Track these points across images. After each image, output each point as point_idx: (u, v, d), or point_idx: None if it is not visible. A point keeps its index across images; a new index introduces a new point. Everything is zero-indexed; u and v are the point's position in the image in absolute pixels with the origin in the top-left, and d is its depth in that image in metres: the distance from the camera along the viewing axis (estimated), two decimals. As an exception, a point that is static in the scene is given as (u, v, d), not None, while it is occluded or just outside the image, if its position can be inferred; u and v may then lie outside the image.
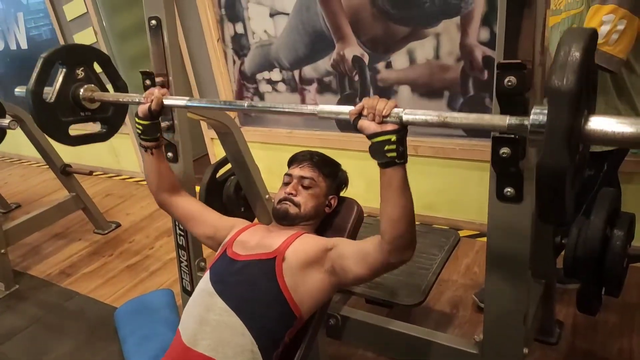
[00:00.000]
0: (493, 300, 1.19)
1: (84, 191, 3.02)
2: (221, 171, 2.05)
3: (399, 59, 2.52)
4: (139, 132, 1.41)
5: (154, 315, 2.08)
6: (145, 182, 1.46)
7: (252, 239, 1.37)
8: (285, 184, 1.49)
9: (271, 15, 2.84)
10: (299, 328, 1.29)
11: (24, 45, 4.34)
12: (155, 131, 1.41)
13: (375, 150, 1.02)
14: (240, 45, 3.07)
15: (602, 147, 1.61)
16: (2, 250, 2.60)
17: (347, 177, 1.64)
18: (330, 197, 1.53)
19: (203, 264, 1.78)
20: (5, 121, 2.46)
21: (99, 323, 2.25)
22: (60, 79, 1.61)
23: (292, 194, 1.43)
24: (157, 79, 1.53)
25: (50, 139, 1.73)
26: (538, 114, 0.80)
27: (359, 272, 1.19)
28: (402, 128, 1.00)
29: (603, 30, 1.38)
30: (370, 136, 1.02)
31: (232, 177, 2.06)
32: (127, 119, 3.96)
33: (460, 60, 2.36)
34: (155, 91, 1.36)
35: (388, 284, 1.65)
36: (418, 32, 2.41)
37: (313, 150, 1.60)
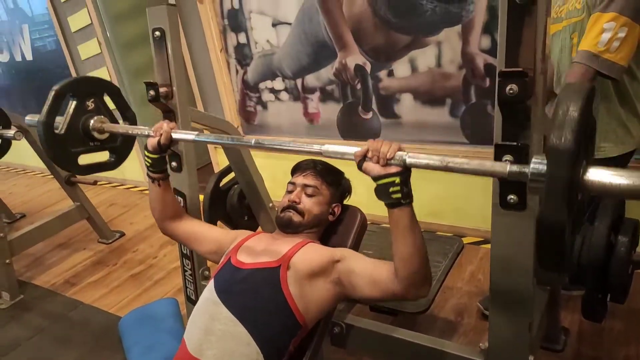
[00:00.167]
0: (498, 308, 1.18)
1: (88, 201, 3.04)
2: (225, 180, 2.06)
3: (401, 67, 2.54)
4: (148, 164, 1.44)
5: (159, 324, 2.08)
6: (147, 192, 1.48)
7: (256, 248, 1.37)
8: (289, 192, 1.49)
9: (273, 25, 2.86)
10: (303, 336, 1.28)
11: (29, 56, 4.38)
12: (164, 164, 1.45)
13: (381, 192, 1.04)
14: (243, 55, 3.09)
15: (606, 154, 1.61)
16: (7, 261, 2.61)
17: (351, 185, 1.65)
18: (334, 205, 1.53)
19: (207, 272, 1.78)
20: (11, 132, 2.48)
21: (104, 333, 2.25)
22: (71, 110, 1.65)
23: (295, 202, 1.44)
24: (161, 89, 1.55)
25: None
26: (538, 164, 0.82)
27: (369, 294, 1.20)
28: (406, 170, 1.03)
29: (604, 37, 1.39)
30: (375, 178, 1.04)
31: (236, 186, 2.07)
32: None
33: (462, 68, 2.37)
34: (165, 125, 1.39)
35: (392, 292, 1.65)
36: (420, 41, 2.42)
37: (316, 158, 1.61)
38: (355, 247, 1.54)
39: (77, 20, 3.73)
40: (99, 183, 4.40)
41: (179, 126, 1.60)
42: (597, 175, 0.76)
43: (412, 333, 1.38)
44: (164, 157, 1.44)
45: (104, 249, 3.12)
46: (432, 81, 2.48)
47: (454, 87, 2.42)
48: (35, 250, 3.12)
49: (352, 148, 1.09)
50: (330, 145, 1.12)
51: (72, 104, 1.64)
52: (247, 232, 1.51)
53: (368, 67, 2.63)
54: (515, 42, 0.94)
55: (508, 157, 0.96)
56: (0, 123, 2.52)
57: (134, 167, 4.08)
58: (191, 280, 1.80)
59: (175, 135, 1.39)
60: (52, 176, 3.03)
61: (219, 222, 2.04)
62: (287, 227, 1.43)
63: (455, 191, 2.62)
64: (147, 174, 1.47)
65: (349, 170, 1.67)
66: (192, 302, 1.82)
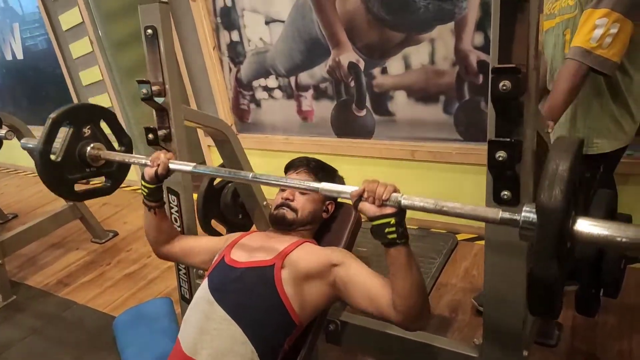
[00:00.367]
0: (492, 304, 1.19)
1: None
2: (218, 178, 2.06)
3: (395, 65, 2.54)
4: (144, 194, 1.44)
5: (153, 324, 2.07)
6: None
7: (250, 246, 1.36)
8: (283, 189, 1.49)
9: (266, 23, 2.85)
10: (298, 335, 1.28)
11: (19, 55, 4.34)
12: (160, 193, 1.45)
13: (376, 232, 1.05)
14: (236, 53, 3.08)
15: (599, 150, 1.62)
16: (0, 261, 2.59)
17: (344, 182, 1.64)
18: (327, 202, 1.53)
19: (201, 271, 1.78)
20: (2, 132, 2.47)
21: (98, 333, 2.24)
22: (67, 138, 1.65)
23: (289, 199, 1.44)
24: (154, 88, 1.54)
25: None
26: (528, 213, 0.85)
27: (363, 307, 1.19)
28: (401, 211, 1.03)
29: (597, 33, 1.40)
30: (370, 219, 1.05)
31: (230, 185, 2.07)
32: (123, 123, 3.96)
33: (455, 65, 2.37)
34: (162, 156, 1.40)
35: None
36: (413, 38, 2.42)
37: (310, 156, 1.61)
38: (350, 244, 1.55)
39: (68, 18, 3.70)
40: (91, 182, 4.38)
41: (172, 124, 1.59)
42: (585, 226, 0.80)
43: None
44: (160, 187, 1.44)
45: (97, 248, 3.11)
46: (425, 78, 2.48)
47: (448, 84, 2.43)
48: (28, 251, 3.10)
49: (349, 187, 1.10)
50: (326, 184, 1.14)
51: (69, 132, 1.66)
52: (240, 233, 1.50)
53: (362, 65, 2.63)
54: (508, 39, 0.94)
55: (501, 153, 0.96)
56: (-10, 122, 2.50)
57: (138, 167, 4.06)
58: (185, 279, 1.80)
59: (172, 166, 1.39)
60: (44, 176, 3.00)
61: (212, 222, 2.04)
62: (281, 225, 1.42)
63: (449, 188, 2.63)
64: (143, 202, 1.46)
65: (343, 168, 1.67)
66: (186, 301, 1.81)
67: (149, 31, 1.52)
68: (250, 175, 1.27)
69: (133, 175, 4.02)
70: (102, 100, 3.89)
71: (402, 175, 2.75)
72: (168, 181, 1.68)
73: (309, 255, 1.28)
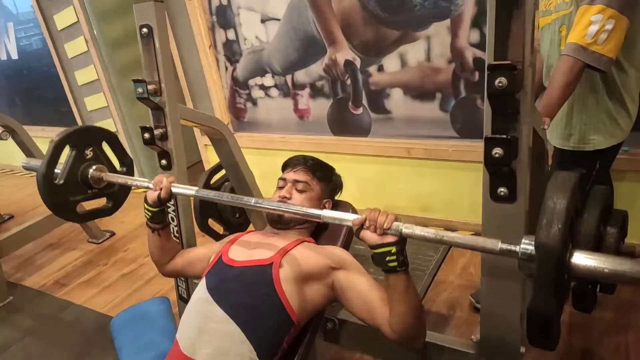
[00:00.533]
0: (489, 300, 1.19)
1: (77, 200, 3.01)
2: (215, 177, 2.05)
3: (391, 62, 2.54)
4: (148, 217, 1.45)
5: (151, 323, 2.06)
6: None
7: (248, 245, 1.36)
8: (280, 188, 1.49)
9: (262, 21, 2.84)
10: (296, 334, 1.28)
11: (14, 55, 4.32)
12: (163, 215, 1.47)
13: (377, 260, 1.07)
14: (232, 52, 3.08)
15: (595, 146, 1.63)
16: (-4, 262, 2.58)
17: (342, 181, 1.65)
18: (325, 200, 1.53)
19: (199, 271, 1.78)
20: (-3, 132, 2.45)
21: (95, 333, 2.23)
22: (70, 161, 1.67)
23: (286, 197, 1.43)
24: (150, 87, 1.53)
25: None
26: (527, 245, 0.88)
27: (360, 316, 1.21)
28: (402, 239, 1.05)
29: (592, 30, 1.40)
30: (372, 247, 1.07)
31: (227, 183, 2.06)
32: (115, 121, 3.94)
33: (451, 62, 2.37)
34: (164, 180, 1.40)
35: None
36: (409, 35, 2.42)
37: (307, 154, 1.61)
38: (347, 243, 1.54)
39: (63, 18, 3.68)
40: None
41: (168, 123, 1.59)
42: (582, 260, 0.83)
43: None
44: (163, 209, 1.46)
45: (94, 248, 3.10)
46: (421, 76, 2.48)
47: (444, 82, 2.43)
48: (25, 251, 3.09)
49: (351, 215, 1.12)
50: (328, 211, 1.16)
51: (72, 155, 1.68)
52: (237, 234, 1.50)
53: (358, 63, 2.63)
54: (504, 35, 0.94)
55: (498, 150, 0.97)
56: (-15, 123, 2.49)
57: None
58: (183, 279, 1.80)
59: (175, 190, 1.40)
60: (40, 176, 2.99)
61: (209, 221, 2.03)
62: (278, 223, 1.42)
63: (446, 185, 2.63)
64: (147, 224, 1.47)
65: (340, 166, 1.67)
66: (184, 300, 1.81)
67: (144, 30, 1.51)
68: (253, 201, 1.30)
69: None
70: (98, 99, 3.88)
71: (398, 173, 2.75)
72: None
73: (307, 255, 1.28)
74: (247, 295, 1.22)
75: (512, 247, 0.91)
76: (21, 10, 4.04)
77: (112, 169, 1.80)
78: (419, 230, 1.02)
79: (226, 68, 3.17)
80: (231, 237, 1.46)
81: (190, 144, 3.43)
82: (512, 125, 0.98)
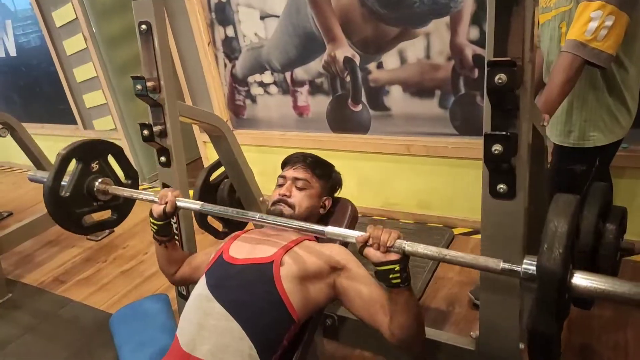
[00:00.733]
0: (488, 297, 1.19)
1: (76, 198, 3.01)
2: (215, 174, 2.05)
3: (390, 59, 2.53)
4: (154, 230, 1.46)
5: (150, 320, 2.07)
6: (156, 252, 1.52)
7: (248, 243, 1.36)
8: (279, 185, 1.49)
9: (261, 18, 2.84)
10: (296, 331, 1.28)
11: (12, 52, 4.31)
12: (169, 228, 1.48)
13: (381, 277, 1.09)
14: (231, 49, 3.07)
15: (594, 143, 1.63)
16: (-5, 259, 2.58)
17: (341, 178, 1.64)
18: (325, 198, 1.53)
19: (198, 268, 1.78)
20: (-4, 129, 2.45)
21: (94, 330, 2.23)
22: (76, 174, 1.69)
23: (286, 195, 1.43)
24: (149, 84, 1.53)
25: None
26: (529, 265, 0.91)
27: (361, 317, 1.23)
28: (405, 257, 1.07)
29: (592, 26, 1.40)
30: (375, 264, 1.08)
31: (226, 180, 2.06)
32: (114, 118, 3.94)
33: (450, 59, 2.37)
34: (169, 194, 1.42)
35: (384, 284, 1.65)
36: (408, 32, 2.42)
37: (306, 151, 1.60)
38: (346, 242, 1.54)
39: (62, 15, 3.67)
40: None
41: (167, 120, 1.59)
42: (582, 281, 0.85)
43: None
44: (169, 222, 1.47)
45: (93, 245, 3.10)
46: (421, 73, 2.48)
47: (443, 79, 2.43)
48: (24, 248, 3.09)
49: (354, 232, 1.13)
50: (332, 228, 1.18)
51: (78, 168, 1.69)
52: (237, 233, 1.50)
53: (357, 60, 2.63)
54: (503, 32, 0.94)
55: (497, 146, 0.96)
56: (-16, 120, 2.49)
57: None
58: (182, 276, 1.80)
59: (180, 204, 1.42)
60: (39, 173, 2.99)
61: (208, 218, 2.03)
62: (278, 221, 1.42)
63: (445, 182, 2.63)
64: (154, 237, 1.48)
65: (339, 164, 1.67)
66: (183, 297, 1.81)
67: (143, 27, 1.51)
68: (258, 216, 1.31)
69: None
70: (96, 96, 3.87)
71: (397, 170, 2.75)
72: (163, 177, 1.68)
73: (308, 254, 1.28)
74: (247, 293, 1.22)
75: (514, 267, 0.93)
76: (19, 8, 4.03)
77: (118, 182, 1.81)
78: (421, 249, 1.04)
79: (225, 65, 3.16)
80: (231, 235, 1.46)
81: (190, 141, 3.43)
82: (512, 122, 0.98)
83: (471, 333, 1.27)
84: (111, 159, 1.87)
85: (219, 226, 2.09)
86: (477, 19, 2.22)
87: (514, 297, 1.14)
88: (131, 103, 3.79)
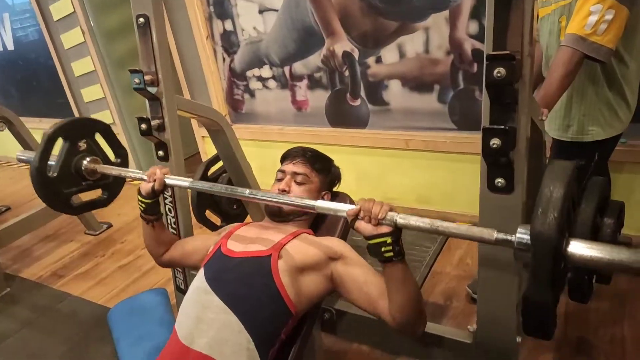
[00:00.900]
0: (485, 291, 1.19)
1: (74, 192, 3.00)
2: (213, 169, 2.05)
3: (389, 54, 2.53)
4: (142, 209, 1.45)
5: (148, 314, 2.07)
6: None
7: (246, 236, 1.36)
8: (278, 180, 1.49)
9: (260, 12, 2.82)
10: (294, 325, 1.28)
11: (10, 46, 4.29)
12: (157, 207, 1.46)
13: (373, 250, 1.07)
14: (229, 43, 3.06)
15: (593, 137, 1.63)
16: (-7, 253, 2.58)
17: (340, 173, 1.64)
18: (324, 192, 1.53)
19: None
20: (-7, 123, 2.44)
21: (93, 324, 2.23)
22: (63, 154, 1.65)
23: (285, 190, 1.43)
24: (146, 77, 1.52)
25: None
26: (522, 234, 0.88)
27: (360, 306, 1.22)
28: (397, 230, 1.04)
29: (591, 20, 1.39)
30: (367, 238, 1.06)
31: (224, 175, 2.06)
32: (112, 112, 3.92)
33: (449, 54, 2.36)
34: (158, 172, 1.41)
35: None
36: (407, 27, 2.41)
37: (305, 146, 1.60)
38: (345, 234, 1.55)
39: (60, 8, 3.64)
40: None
41: (165, 114, 1.58)
42: (579, 248, 0.82)
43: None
44: (157, 201, 1.45)
45: (91, 240, 3.10)
46: (420, 67, 2.47)
47: (442, 73, 2.42)
48: (22, 243, 3.09)
49: (345, 205, 1.11)
50: (322, 202, 1.16)
51: (65, 147, 1.66)
52: (236, 224, 1.50)
53: (356, 54, 2.62)
54: (502, 26, 0.94)
55: (496, 140, 0.96)
56: (-19, 114, 2.48)
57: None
58: (180, 270, 1.80)
59: (169, 181, 1.40)
60: (37, 167, 2.98)
61: (207, 212, 2.03)
62: (277, 216, 1.42)
63: (443, 177, 2.63)
64: (141, 216, 1.48)
65: (338, 158, 1.67)
66: (181, 291, 1.81)
67: (141, 20, 1.50)
68: (247, 192, 1.29)
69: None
70: (95, 90, 3.86)
71: (396, 165, 2.75)
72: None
73: (305, 247, 1.29)
74: (245, 286, 1.22)
75: (508, 237, 0.90)
76: (17, 1, 4.00)
77: (107, 161, 1.79)
78: (414, 221, 1.02)
79: (224, 59, 3.15)
80: (230, 228, 1.46)
81: (188, 136, 3.42)
82: (510, 116, 0.98)
83: (469, 327, 1.27)
84: (104, 146, 1.84)
85: (217, 221, 2.09)
86: (477, 13, 2.21)
87: (511, 291, 1.14)
88: (130, 97, 3.77)
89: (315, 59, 2.77)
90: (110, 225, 3.23)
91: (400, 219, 1.03)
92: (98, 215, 3.28)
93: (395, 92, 2.60)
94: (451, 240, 2.51)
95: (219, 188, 1.41)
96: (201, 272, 1.30)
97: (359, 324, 1.47)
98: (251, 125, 3.26)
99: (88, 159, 1.71)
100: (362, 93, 2.71)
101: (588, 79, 1.56)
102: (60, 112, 4.27)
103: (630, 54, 1.52)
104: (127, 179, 1.63)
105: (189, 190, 1.76)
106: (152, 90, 1.55)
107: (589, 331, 1.79)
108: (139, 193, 1.43)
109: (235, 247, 1.32)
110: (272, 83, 3.04)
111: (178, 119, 1.63)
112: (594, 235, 1.11)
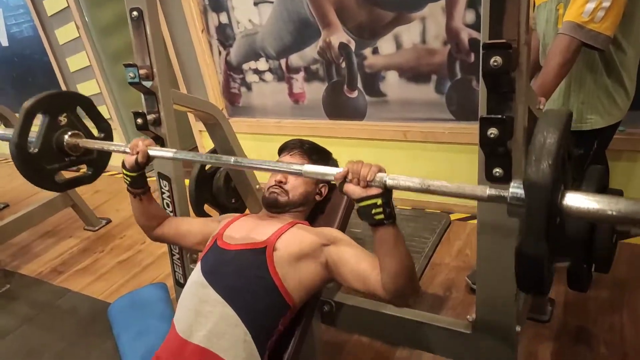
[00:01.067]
0: (484, 280, 1.19)
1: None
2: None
3: (386, 45, 2.51)
4: (127, 182, 1.42)
5: (148, 309, 2.07)
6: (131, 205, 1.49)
7: (242, 229, 1.36)
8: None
9: (255, 4, 2.80)
10: (292, 316, 1.29)
11: (4, 42, 4.26)
12: (143, 179, 1.44)
13: (363, 213, 1.04)
14: (225, 36, 3.04)
15: (592, 125, 1.62)
16: (-8, 251, 2.58)
17: (338, 165, 1.63)
18: (321, 185, 1.52)
19: (195, 256, 1.77)
20: (-12, 120, 2.42)
21: (93, 320, 2.24)
22: (43, 128, 1.60)
23: (282, 181, 1.43)
24: (141, 71, 1.51)
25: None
26: (516, 189, 0.84)
27: (355, 287, 1.21)
28: (387, 191, 1.01)
29: (589, 7, 1.38)
30: (356, 200, 1.04)
31: (222, 169, 2.05)
32: (108, 107, 3.90)
33: (446, 44, 2.35)
34: (140, 143, 1.38)
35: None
36: (404, 17, 2.40)
37: (303, 138, 1.59)
38: (343, 226, 1.54)
39: (53, 3, 3.62)
40: (82, 170, 4.34)
41: (161, 108, 1.57)
42: (575, 200, 0.77)
43: (401, 309, 1.39)
44: (143, 174, 1.43)
45: (90, 236, 3.09)
46: (417, 57, 2.46)
47: (439, 63, 2.41)
48: (21, 240, 3.08)
49: (332, 169, 1.09)
50: (309, 166, 1.13)
51: (45, 122, 1.61)
52: (233, 215, 1.50)
53: (352, 45, 2.60)
54: (498, 14, 0.93)
55: (493, 130, 0.96)
56: (-24, 111, 2.46)
57: (118, 154, 4.02)
58: (179, 264, 1.80)
59: (152, 153, 1.38)
60: (34, 164, 2.97)
61: (205, 206, 2.03)
62: (273, 207, 1.42)
63: (442, 168, 2.63)
64: (128, 190, 1.45)
65: (336, 150, 1.66)
66: (181, 286, 1.81)
67: (135, 13, 1.49)
68: (232, 159, 1.26)
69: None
70: (91, 86, 3.84)
71: (394, 156, 2.74)
72: (159, 167, 1.67)
73: (300, 235, 1.29)
74: (241, 278, 1.22)
75: (501, 192, 0.87)
76: (10, -4, 3.97)
77: (90, 135, 1.74)
78: (403, 181, 0.99)
79: (219, 52, 3.13)
80: (228, 218, 1.45)
81: (185, 130, 3.41)
82: (508, 105, 0.97)
83: (468, 317, 1.27)
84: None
85: (216, 215, 2.08)
86: (473, 2, 2.19)
87: (510, 281, 1.14)
88: (126, 92, 3.76)
89: (311, 51, 2.76)
90: (109, 221, 3.23)
91: (390, 179, 1.00)
92: (97, 211, 3.28)
93: (392, 83, 2.59)
94: (450, 231, 2.52)
95: (202, 157, 1.38)
96: (198, 265, 1.30)
97: (358, 315, 1.47)
98: (248, 118, 3.25)
99: (70, 133, 1.64)
100: (359, 85, 2.69)
101: (586, 67, 1.56)
102: (57, 108, 4.24)
103: (628, 40, 1.51)
104: (112, 151, 1.56)
105: (187, 184, 1.75)
106: (147, 84, 1.54)
107: (588, 320, 1.79)
108: (123, 166, 1.40)
109: (231, 239, 1.32)
110: (268, 76, 3.02)
111: (174, 113, 1.62)
112: (592, 223, 1.11)
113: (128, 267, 2.66)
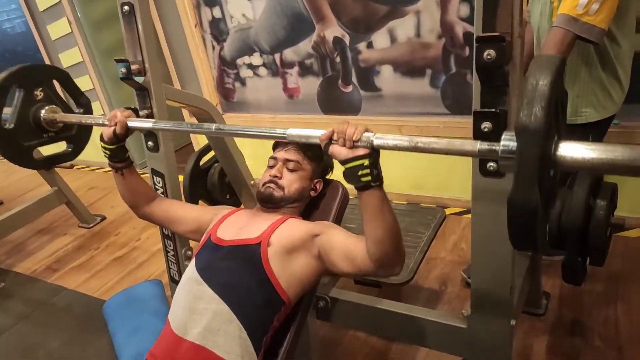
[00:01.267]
0: (479, 275, 1.19)
1: (66, 185, 2.97)
2: (205, 159, 2.03)
3: (380, 39, 2.50)
4: (107, 156, 1.40)
5: (143, 306, 2.06)
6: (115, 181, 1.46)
7: (236, 224, 1.35)
8: (270, 167, 1.47)
9: (249, -2, 2.79)
10: (288, 312, 1.28)
11: (-4, 38, 4.23)
12: (124, 153, 1.41)
13: (349, 175, 1.02)
14: (218, 30, 3.02)
15: (587, 119, 1.62)
16: (-14, 248, 2.56)
17: (332, 161, 1.63)
18: (316, 180, 1.51)
19: (190, 252, 1.77)
20: (-20, 117, 2.40)
21: (88, 317, 2.23)
22: (18, 103, 1.55)
23: (276, 176, 1.42)
24: (133, 66, 1.50)
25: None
26: (508, 141, 0.82)
27: (345, 269, 1.20)
28: (374, 152, 0.99)
29: (583, 0, 1.38)
30: (342, 162, 1.01)
31: (216, 165, 2.04)
32: (102, 103, 3.88)
33: (441, 38, 2.34)
34: (118, 114, 1.35)
35: (376, 264, 1.65)
36: (398, 11, 2.38)
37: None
38: (337, 221, 1.54)
39: (45, -2, 3.59)
40: (76, 167, 4.33)
41: (154, 104, 1.56)
42: (569, 150, 0.74)
43: (396, 303, 1.40)
44: (123, 146, 1.40)
45: (85, 233, 3.08)
46: (411, 51, 2.45)
47: (434, 57, 2.40)
48: (15, 237, 3.07)
49: (317, 131, 1.06)
50: (294, 129, 1.09)
51: (20, 96, 1.57)
52: (228, 208, 1.49)
53: (347, 39, 2.59)
54: (492, 7, 0.92)
55: (487, 124, 0.95)
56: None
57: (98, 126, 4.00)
58: (174, 261, 1.79)
59: (131, 124, 1.36)
60: (27, 161, 2.95)
61: (200, 202, 2.02)
62: (268, 202, 1.41)
63: (437, 162, 2.62)
64: (109, 164, 1.43)
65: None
66: (175, 282, 1.81)
67: (126, 8, 1.47)
68: (214, 126, 1.24)
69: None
70: (84, 81, 3.81)
71: (389, 151, 2.73)
72: (152, 163, 1.65)
73: (291, 229, 1.29)
74: (235, 275, 1.21)
75: (492, 146, 0.85)
76: (1, -8, 3.94)
77: (68, 111, 1.70)
78: (391, 140, 0.97)
79: (213, 47, 3.11)
80: (222, 212, 1.44)
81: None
82: (501, 99, 0.96)
83: (462, 311, 1.27)
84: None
85: (210, 210, 2.07)
86: (468, -4, 2.19)
87: (505, 275, 1.14)
88: (119, 88, 3.73)
89: (305, 46, 2.74)
90: (103, 218, 3.22)
91: (377, 139, 0.98)
92: (91, 208, 3.27)
93: (387, 78, 2.58)
94: (445, 225, 2.51)
95: (183, 126, 1.35)
96: (193, 262, 1.30)
97: (353, 311, 1.46)
98: (243, 114, 3.23)
99: (46, 107, 1.61)
100: (354, 79, 2.69)
101: (581, 60, 1.55)
102: (50, 105, 4.21)
103: (622, 33, 1.50)
104: (90, 124, 1.53)
105: (181, 180, 1.74)
106: (140, 79, 1.52)
107: (583, 313, 1.80)
108: (101, 139, 1.37)
109: (224, 235, 1.32)
110: (262, 71, 3.01)
111: (168, 109, 1.61)
112: (586, 216, 1.11)
113: (123, 264, 2.65)
